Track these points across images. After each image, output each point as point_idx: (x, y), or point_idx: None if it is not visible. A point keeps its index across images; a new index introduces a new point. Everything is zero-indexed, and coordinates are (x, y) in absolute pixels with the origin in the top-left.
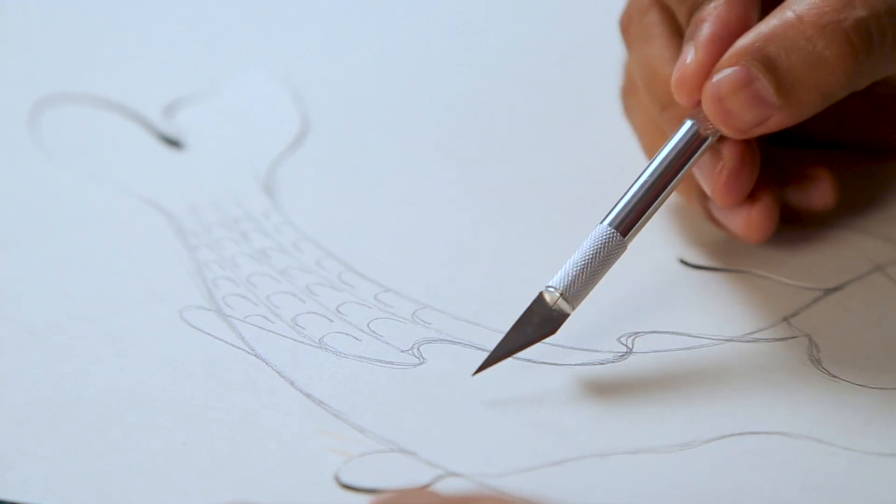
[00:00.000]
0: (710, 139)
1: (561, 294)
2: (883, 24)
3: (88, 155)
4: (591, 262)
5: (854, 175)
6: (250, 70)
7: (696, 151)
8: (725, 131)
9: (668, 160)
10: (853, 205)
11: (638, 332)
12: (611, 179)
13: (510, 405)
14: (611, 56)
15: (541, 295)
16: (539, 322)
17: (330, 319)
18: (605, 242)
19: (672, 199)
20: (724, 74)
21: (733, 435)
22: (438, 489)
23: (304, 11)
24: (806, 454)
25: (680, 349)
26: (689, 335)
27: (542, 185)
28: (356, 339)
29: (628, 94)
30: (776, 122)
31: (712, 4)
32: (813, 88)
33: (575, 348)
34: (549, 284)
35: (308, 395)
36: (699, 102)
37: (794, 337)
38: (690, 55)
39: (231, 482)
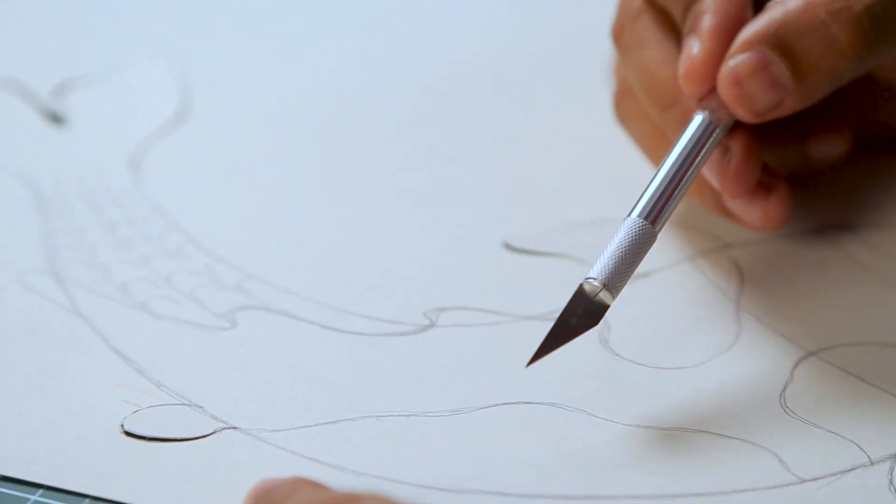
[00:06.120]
0: (719, 131)
1: (602, 285)
2: (888, 10)
3: None
4: (627, 253)
5: None
6: (144, 58)
7: (710, 139)
8: (742, 115)
9: (686, 150)
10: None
11: (445, 308)
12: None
13: (307, 370)
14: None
15: (581, 287)
16: (582, 313)
17: (157, 285)
18: (637, 232)
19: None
20: (741, 59)
21: (507, 404)
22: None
23: (208, 5)
24: (569, 423)
25: (481, 325)
26: (494, 312)
27: (392, 177)
28: (177, 303)
29: (622, 99)
30: (789, 104)
31: None
32: (825, 71)
33: (381, 320)
34: (589, 276)
35: (117, 352)
36: (708, 92)
37: None
38: (696, 46)
39: (24, 431)
